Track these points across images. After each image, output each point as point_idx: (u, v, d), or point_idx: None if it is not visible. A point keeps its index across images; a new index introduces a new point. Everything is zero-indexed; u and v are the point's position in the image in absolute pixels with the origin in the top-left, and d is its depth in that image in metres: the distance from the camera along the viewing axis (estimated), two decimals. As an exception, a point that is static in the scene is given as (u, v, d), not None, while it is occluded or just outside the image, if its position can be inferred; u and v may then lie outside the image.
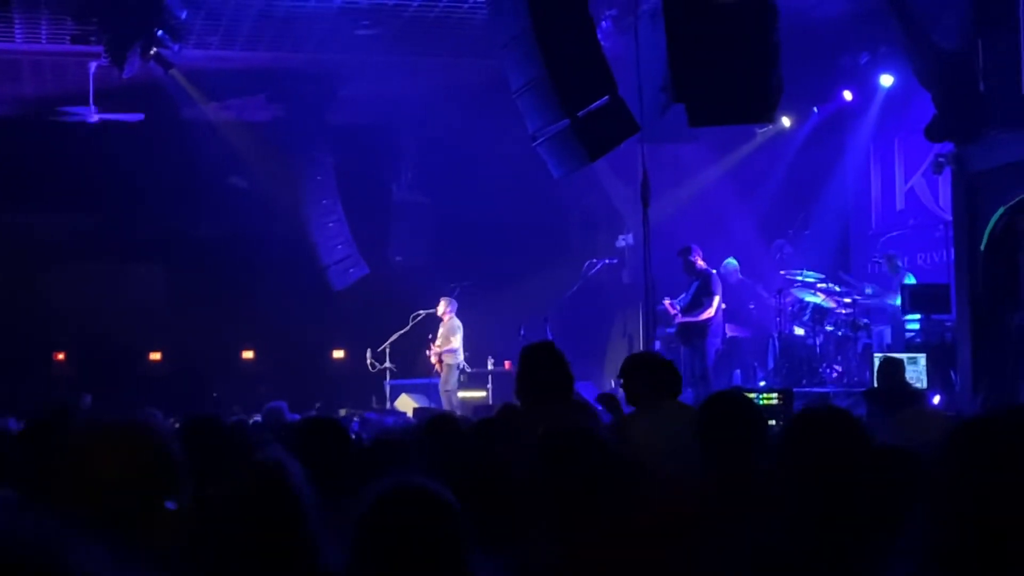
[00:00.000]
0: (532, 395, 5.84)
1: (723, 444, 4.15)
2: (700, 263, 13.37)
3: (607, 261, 15.95)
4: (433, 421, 4.78)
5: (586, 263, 15.81)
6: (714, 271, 13.55)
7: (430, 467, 3.62)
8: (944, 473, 2.22)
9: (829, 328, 13.75)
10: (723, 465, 4.07)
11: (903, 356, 11.27)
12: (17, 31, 14.00)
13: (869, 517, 3.01)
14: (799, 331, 14.06)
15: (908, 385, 10.15)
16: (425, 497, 2.53)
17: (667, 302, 13.25)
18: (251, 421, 8.88)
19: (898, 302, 12.97)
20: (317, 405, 14.29)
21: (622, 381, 6.27)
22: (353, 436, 8.24)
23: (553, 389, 5.80)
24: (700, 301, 13.17)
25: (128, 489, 2.21)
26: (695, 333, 13.16)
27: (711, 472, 4.11)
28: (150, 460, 2.26)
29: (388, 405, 15.23)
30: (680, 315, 13.22)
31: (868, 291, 13.78)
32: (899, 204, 15.27)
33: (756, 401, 8.92)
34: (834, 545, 3.00)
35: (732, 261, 14.67)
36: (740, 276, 14.78)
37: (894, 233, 14.89)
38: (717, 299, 13.15)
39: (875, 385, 10.07)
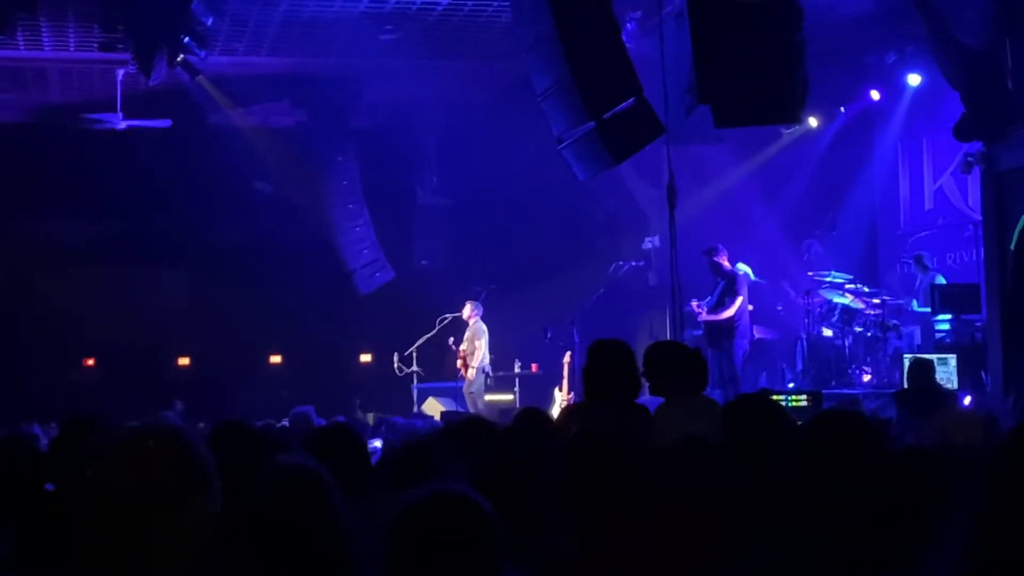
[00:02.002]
0: (598, 392, 5.83)
1: (748, 447, 4.10)
2: (725, 264, 13.33)
3: (633, 263, 15.89)
4: (461, 425, 4.76)
5: (612, 265, 15.75)
6: (740, 272, 13.49)
7: (459, 471, 3.61)
8: (1004, 475, 2.16)
9: (858, 329, 13.65)
10: (748, 468, 4.03)
11: (933, 357, 11.17)
12: (45, 39, 14.10)
13: (890, 519, 2.97)
14: (827, 332, 13.96)
15: (939, 386, 10.06)
16: (463, 504, 2.51)
17: (694, 304, 13.20)
18: (278, 426, 8.88)
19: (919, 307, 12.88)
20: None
21: (644, 370, 6.17)
22: (382, 440, 8.26)
23: (620, 387, 5.78)
24: (724, 301, 13.13)
25: (157, 494, 2.20)
26: (722, 335, 13.10)
27: (736, 475, 4.07)
28: (179, 465, 2.26)
29: (415, 409, 15.21)
30: (704, 313, 13.18)
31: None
32: (928, 204, 15.16)
33: (785, 403, 8.87)
34: (853, 548, 2.96)
35: (743, 267, 14.55)
36: (752, 279, 14.65)
37: (923, 233, 14.78)
38: (740, 299, 13.09)
39: (905, 386, 9.99)
